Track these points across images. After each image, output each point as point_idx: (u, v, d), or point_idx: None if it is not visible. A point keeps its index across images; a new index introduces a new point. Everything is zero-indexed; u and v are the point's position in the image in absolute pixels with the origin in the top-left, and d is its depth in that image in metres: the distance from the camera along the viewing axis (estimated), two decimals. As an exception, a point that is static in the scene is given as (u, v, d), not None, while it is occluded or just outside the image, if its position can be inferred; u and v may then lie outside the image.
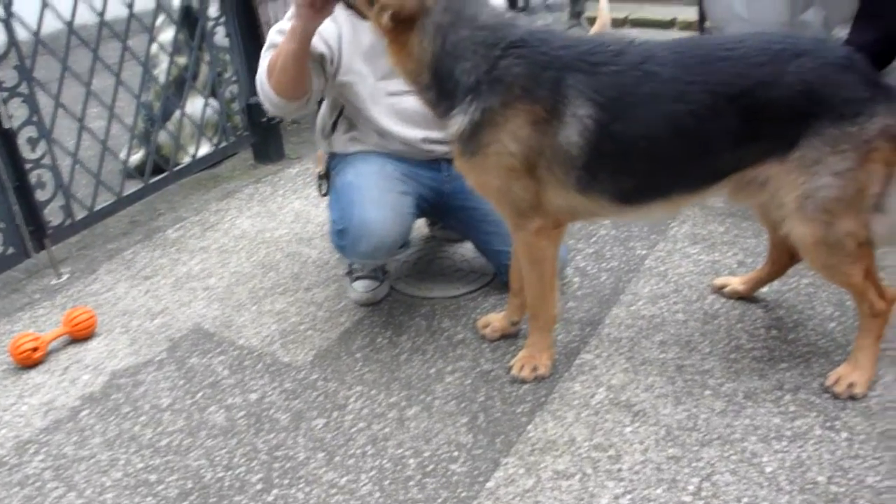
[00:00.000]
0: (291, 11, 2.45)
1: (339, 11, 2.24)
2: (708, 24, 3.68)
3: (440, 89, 2.09)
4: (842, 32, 3.23)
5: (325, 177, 2.80)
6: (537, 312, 2.39)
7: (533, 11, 6.57)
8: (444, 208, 2.82)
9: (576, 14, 7.01)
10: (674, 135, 2.01)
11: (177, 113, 3.81)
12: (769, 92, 1.95)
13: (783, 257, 2.56)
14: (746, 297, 2.71)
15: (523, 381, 2.37)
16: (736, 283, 2.73)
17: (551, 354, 2.42)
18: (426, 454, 2.15)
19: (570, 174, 2.06)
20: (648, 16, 6.80)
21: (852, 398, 2.22)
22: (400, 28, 2.01)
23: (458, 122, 2.08)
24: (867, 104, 1.94)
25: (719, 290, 2.76)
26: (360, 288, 2.84)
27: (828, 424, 2.16)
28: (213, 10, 3.83)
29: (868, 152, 1.96)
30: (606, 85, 1.98)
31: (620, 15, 6.99)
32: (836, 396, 2.23)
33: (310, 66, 2.38)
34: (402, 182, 2.62)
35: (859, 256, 2.11)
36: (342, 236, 2.54)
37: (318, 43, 2.36)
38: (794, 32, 3.23)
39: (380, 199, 2.52)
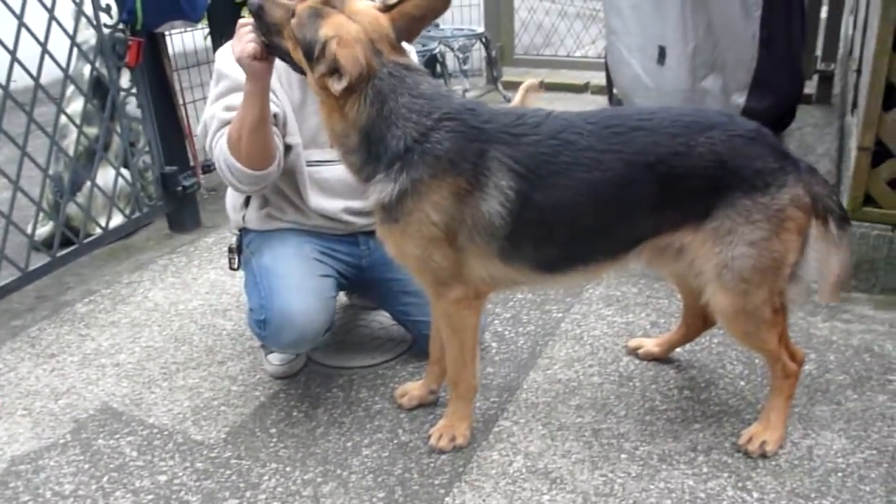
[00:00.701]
0: (221, 86, 2.42)
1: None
2: (615, 91, 3.81)
3: (368, 153, 2.05)
4: (739, 99, 3.39)
5: (237, 251, 2.76)
6: (457, 381, 2.36)
7: (451, 76, 6.71)
8: (363, 282, 2.79)
9: (493, 79, 7.19)
10: (592, 202, 2.04)
11: (87, 184, 3.72)
12: (682, 161, 1.99)
13: (697, 321, 2.61)
14: (661, 358, 2.76)
15: (441, 452, 2.35)
16: (650, 344, 2.78)
17: (469, 423, 2.40)
18: (342, 533, 2.10)
19: (493, 244, 2.07)
20: (563, 80, 7.02)
21: (764, 456, 2.27)
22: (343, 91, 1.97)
23: (381, 189, 2.04)
24: (777, 174, 2.00)
25: (634, 352, 2.80)
26: (276, 361, 2.79)
27: (740, 485, 2.20)
28: (124, 81, 3.79)
29: (781, 221, 2.01)
30: (526, 155, 2.01)
31: (535, 80, 7.20)
32: (748, 455, 2.28)
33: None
34: (321, 263, 2.58)
35: (775, 322, 2.16)
36: (263, 327, 2.46)
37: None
38: (697, 105, 3.39)
39: (301, 286, 2.45)
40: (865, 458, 2.28)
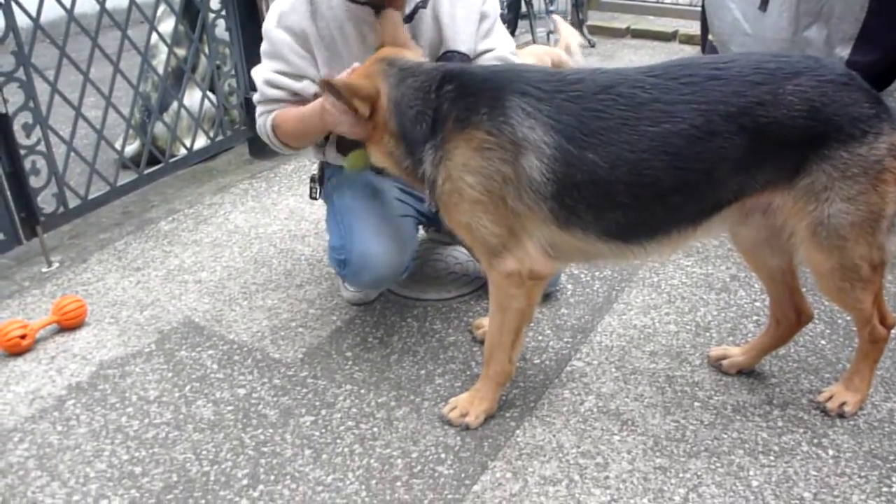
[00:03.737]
0: (265, 47, 2.43)
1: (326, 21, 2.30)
2: (711, 37, 3.68)
3: (412, 154, 2.04)
4: (843, 52, 3.24)
5: (319, 181, 2.78)
6: (490, 360, 2.21)
7: (537, 17, 6.57)
8: (442, 219, 2.79)
9: (578, 22, 7.02)
10: (662, 158, 1.85)
11: (174, 105, 3.79)
12: (769, 111, 1.82)
13: (789, 315, 2.32)
14: (747, 369, 2.43)
15: (449, 423, 2.24)
16: (736, 353, 2.45)
17: (489, 409, 2.24)
18: (414, 455, 2.14)
19: (542, 205, 1.92)
20: (650, 27, 6.82)
21: (841, 416, 2.23)
22: (372, 121, 2.04)
23: (425, 173, 2.03)
24: (873, 121, 1.84)
25: (717, 363, 2.46)
26: (353, 287, 2.83)
27: (815, 441, 2.16)
28: (214, 3, 3.82)
29: (879, 173, 1.87)
30: (565, 111, 1.86)
31: (622, 25, 7.02)
32: (825, 413, 2.24)
33: None
34: (401, 203, 2.61)
35: (871, 281, 2.03)
36: (343, 266, 2.51)
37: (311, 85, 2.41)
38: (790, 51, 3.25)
39: (380, 228, 2.48)
40: (949, 426, 2.22)
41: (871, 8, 3.09)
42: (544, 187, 1.89)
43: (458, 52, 2.43)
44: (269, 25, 2.40)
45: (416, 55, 2.14)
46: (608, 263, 2.90)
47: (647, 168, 1.86)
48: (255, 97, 2.48)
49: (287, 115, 2.37)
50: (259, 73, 2.44)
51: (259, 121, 2.47)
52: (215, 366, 2.53)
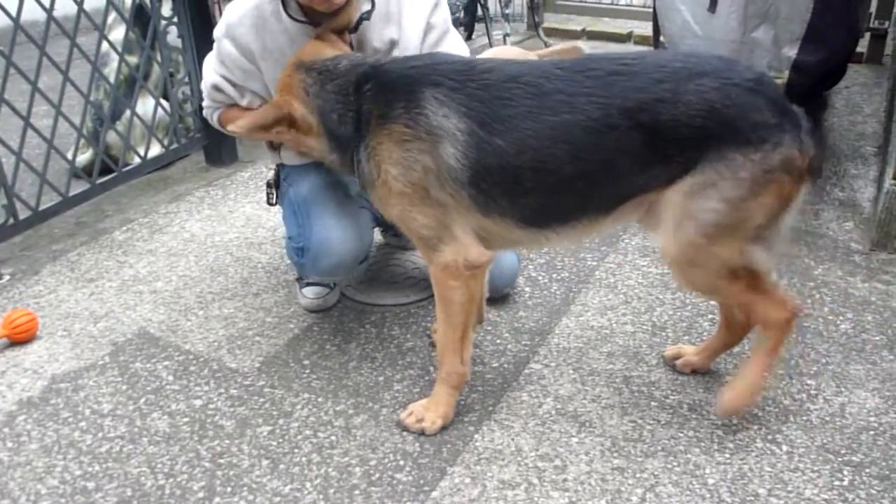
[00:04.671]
0: (216, 47, 2.46)
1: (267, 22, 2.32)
2: (662, 39, 3.73)
3: (343, 150, 2.11)
4: (790, 52, 3.29)
5: (275, 185, 2.76)
6: (442, 361, 2.22)
7: (492, 20, 6.59)
8: None
9: (534, 25, 7.06)
10: (562, 147, 1.89)
11: (127, 113, 3.73)
12: (668, 109, 1.82)
13: (737, 319, 2.30)
14: (701, 370, 2.45)
15: (405, 428, 2.24)
16: (690, 353, 2.47)
17: (446, 414, 2.22)
18: (372, 463, 2.13)
19: (462, 193, 1.96)
20: (605, 29, 6.88)
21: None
22: (298, 131, 2.13)
23: (361, 170, 2.08)
24: (774, 131, 1.82)
25: (671, 362, 2.48)
26: (310, 294, 2.82)
27: (769, 437, 2.20)
28: (166, 10, 3.77)
29: (766, 183, 1.84)
30: (476, 98, 1.90)
31: (577, 27, 7.07)
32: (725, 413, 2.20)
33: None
34: (359, 197, 2.60)
35: (735, 276, 1.99)
36: (302, 254, 2.51)
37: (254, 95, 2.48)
38: (746, 56, 3.30)
39: (338, 214, 2.49)
40: (898, 418, 2.26)
41: (815, 8, 3.15)
42: (461, 173, 1.94)
43: None
44: (219, 34, 2.42)
45: (335, 49, 2.15)
46: (528, 249, 2.97)
47: (548, 155, 1.90)
48: (204, 88, 2.52)
49: (231, 115, 2.44)
50: (208, 71, 2.49)
51: (206, 111, 2.59)
52: (171, 377, 2.49)
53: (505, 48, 4.87)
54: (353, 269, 2.61)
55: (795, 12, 3.19)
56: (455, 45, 2.58)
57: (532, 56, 4.86)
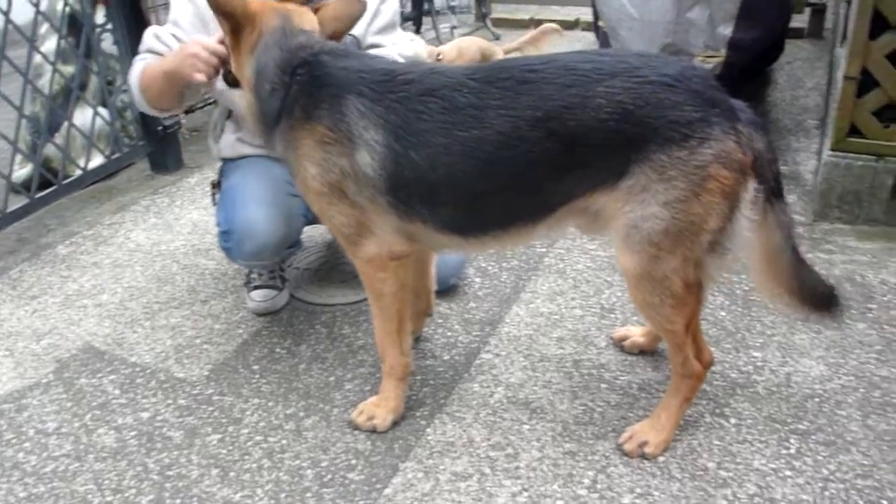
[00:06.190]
0: (171, 16, 2.44)
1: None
2: (601, 23, 3.74)
3: (264, 121, 2.05)
4: (726, 30, 3.32)
5: (219, 185, 2.75)
6: (383, 355, 2.20)
7: (438, 13, 6.58)
8: None
9: (482, 16, 7.07)
10: (472, 162, 1.84)
11: (65, 124, 3.66)
12: (577, 115, 1.75)
13: None
14: (649, 349, 2.47)
15: (357, 428, 2.22)
16: (637, 334, 2.48)
17: (396, 409, 2.21)
18: (324, 464, 2.11)
19: (380, 199, 1.93)
20: (553, 16, 6.90)
21: (644, 458, 2.06)
22: (238, 47, 2.04)
23: (277, 148, 2.06)
24: (697, 126, 1.72)
25: (619, 344, 2.50)
26: (258, 297, 2.79)
27: (717, 411, 2.22)
28: (99, 17, 3.70)
29: (702, 180, 1.74)
30: (393, 111, 1.86)
31: (526, 16, 7.10)
32: (626, 454, 2.08)
33: None
34: (292, 185, 2.57)
35: (685, 300, 1.91)
36: (227, 238, 2.52)
37: None
38: (682, 37, 3.32)
39: (264, 198, 2.50)
40: (843, 384, 2.30)
41: (748, -13, 3.19)
42: (378, 182, 1.91)
43: (352, 35, 2.42)
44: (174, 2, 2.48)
45: (307, 20, 2.07)
46: (458, 253, 2.80)
47: (460, 171, 1.85)
48: (140, 49, 2.49)
49: (154, 65, 2.38)
50: (151, 29, 2.50)
51: (132, 70, 2.48)
52: (117, 391, 2.45)
53: (470, 39, 4.87)
54: (281, 253, 2.63)
55: (728, -9, 3.22)
56: (400, 41, 2.61)
57: (496, 49, 4.87)
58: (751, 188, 1.81)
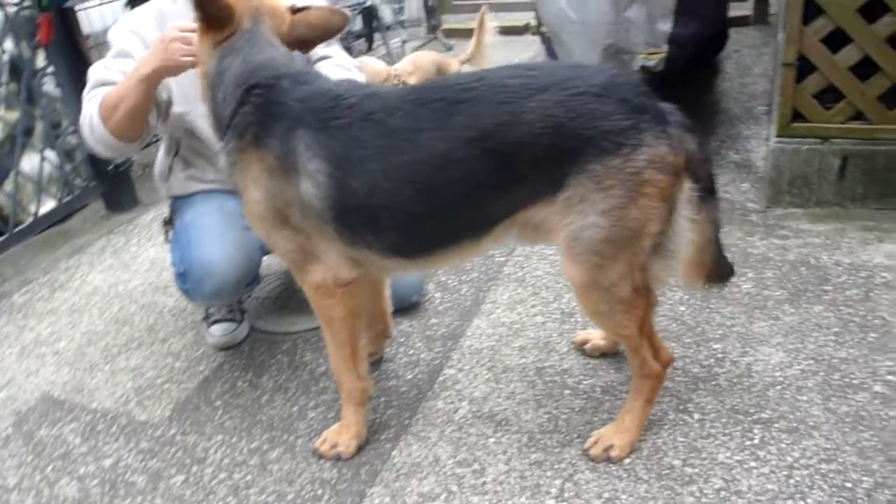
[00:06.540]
0: (117, 49, 2.43)
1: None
2: (544, 28, 3.75)
3: (214, 113, 2.02)
4: (665, 27, 3.34)
5: (170, 222, 2.72)
6: (341, 381, 2.19)
7: (388, 29, 6.58)
8: None
9: (433, 28, 7.08)
10: (411, 186, 1.84)
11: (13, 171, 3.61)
12: (511, 131, 1.75)
13: None
14: (609, 352, 2.47)
15: (322, 457, 2.20)
16: (597, 337, 2.49)
17: (358, 434, 2.19)
18: (290, 497, 2.09)
19: (326, 227, 1.92)
20: (504, 23, 6.91)
21: (609, 461, 2.06)
22: (205, 37, 1.97)
23: (222, 157, 2.02)
24: (629, 133, 1.73)
25: (581, 347, 2.51)
26: (218, 332, 2.76)
27: (681, 407, 2.22)
28: (40, 61, 3.66)
29: (638, 186, 1.75)
30: (335, 139, 1.85)
31: (476, 25, 7.10)
32: (592, 460, 2.07)
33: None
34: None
35: (634, 304, 1.92)
36: (184, 279, 2.48)
37: None
38: (623, 36, 3.34)
39: (220, 236, 2.46)
40: (802, 370, 2.31)
41: (682, -18, 3.21)
42: (323, 211, 1.90)
43: None
44: (115, 31, 2.45)
45: (281, 22, 2.02)
46: (407, 274, 2.71)
47: (399, 195, 1.85)
48: (87, 86, 2.41)
49: (114, 87, 2.31)
50: (95, 66, 2.44)
51: (86, 106, 2.36)
52: (78, 440, 2.41)
53: (425, 53, 4.88)
54: (241, 291, 2.59)
55: (663, -12, 3.24)
56: (341, 57, 2.60)
57: (450, 61, 4.88)
58: (686, 189, 1.83)
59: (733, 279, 2.32)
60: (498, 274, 3.01)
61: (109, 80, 2.37)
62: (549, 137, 1.74)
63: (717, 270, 2.11)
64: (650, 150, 1.75)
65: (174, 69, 2.20)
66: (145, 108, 2.30)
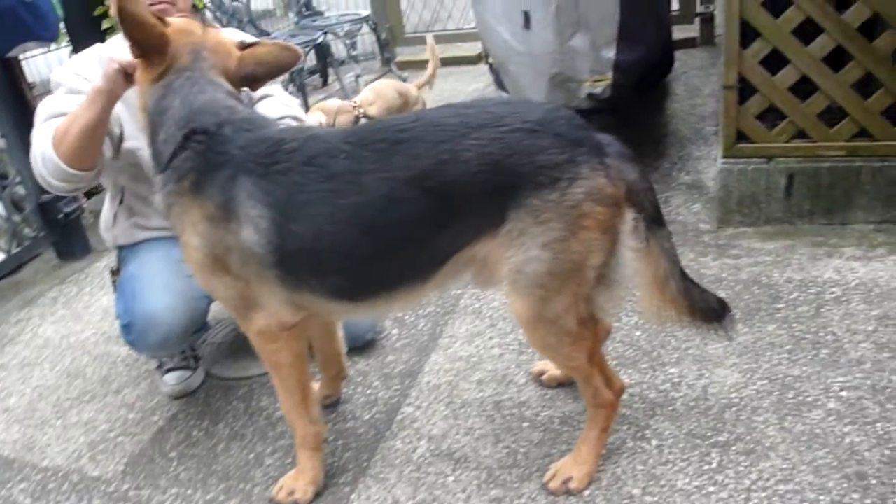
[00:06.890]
0: (57, 92, 2.38)
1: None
2: (491, 60, 3.79)
3: (153, 145, 1.97)
4: (609, 53, 3.39)
5: (117, 272, 2.69)
6: (294, 426, 2.16)
7: (341, 64, 6.61)
8: None
9: (386, 61, 7.12)
10: (355, 229, 1.83)
11: (-41, 225, 3.55)
12: (450, 170, 1.76)
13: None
14: (567, 382, 2.45)
15: None
16: (553, 367, 2.47)
17: (315, 479, 2.16)
18: (247, 549, 2.05)
19: (267, 273, 1.89)
20: (457, 53, 6.99)
21: (568, 493, 2.05)
22: (148, 71, 1.93)
23: (158, 197, 1.98)
24: (565, 167, 1.75)
25: (538, 378, 2.50)
26: (172, 380, 2.71)
27: (639, 434, 2.22)
28: (-18, 113, 3.62)
29: (577, 219, 1.76)
30: (277, 184, 1.83)
31: (429, 56, 7.15)
32: (552, 493, 2.06)
33: None
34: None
35: (580, 336, 1.92)
36: (129, 331, 2.43)
37: None
38: (568, 64, 3.38)
39: (164, 287, 2.41)
40: (758, 390, 2.32)
41: (622, 9, 3.25)
42: (265, 258, 1.87)
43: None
44: (62, 72, 2.41)
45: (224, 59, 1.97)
46: (353, 318, 2.70)
47: (343, 239, 1.84)
48: (36, 122, 2.30)
49: (64, 122, 2.20)
50: (43, 103, 2.35)
51: (35, 138, 2.26)
52: (28, 500, 2.34)
53: (386, 81, 4.89)
54: (187, 340, 2.54)
55: (605, 16, 3.28)
56: (282, 95, 2.60)
57: (409, 86, 4.90)
58: (629, 219, 1.84)
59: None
60: (454, 307, 3.00)
61: (62, 111, 2.26)
62: (487, 175, 1.75)
63: (701, 305, 2.02)
64: (587, 182, 1.76)
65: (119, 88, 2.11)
66: (100, 129, 2.18)
